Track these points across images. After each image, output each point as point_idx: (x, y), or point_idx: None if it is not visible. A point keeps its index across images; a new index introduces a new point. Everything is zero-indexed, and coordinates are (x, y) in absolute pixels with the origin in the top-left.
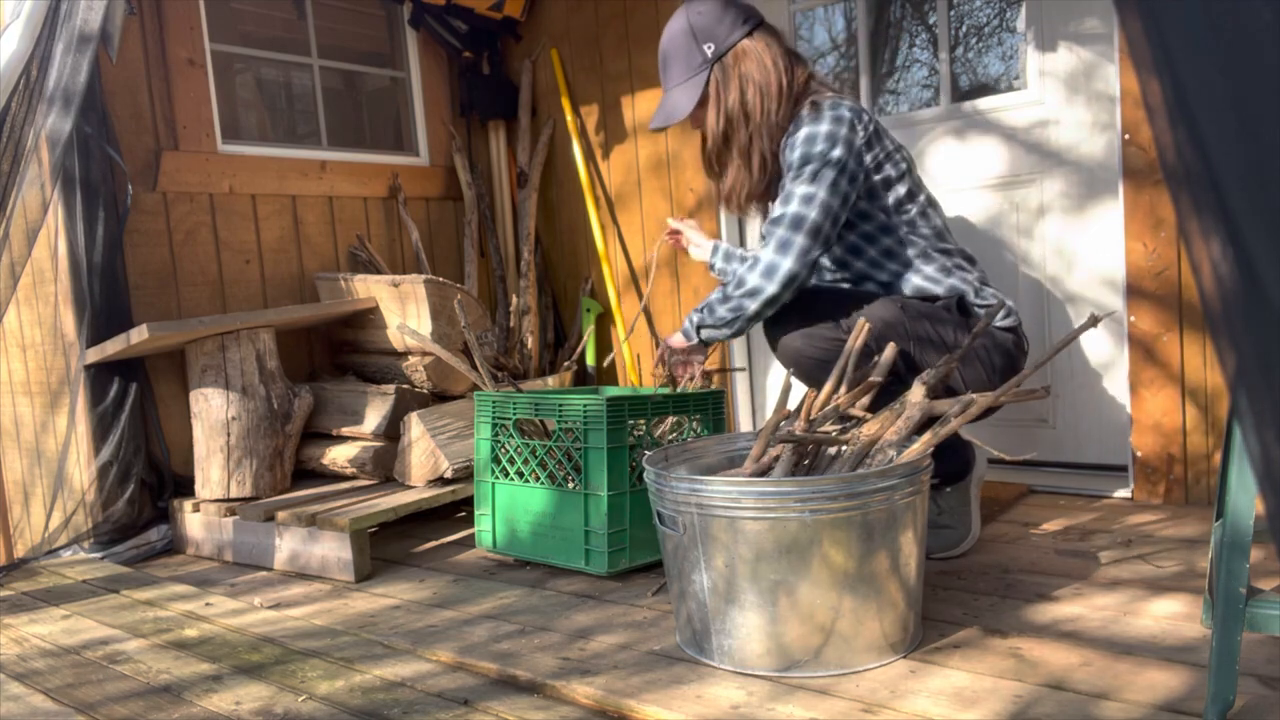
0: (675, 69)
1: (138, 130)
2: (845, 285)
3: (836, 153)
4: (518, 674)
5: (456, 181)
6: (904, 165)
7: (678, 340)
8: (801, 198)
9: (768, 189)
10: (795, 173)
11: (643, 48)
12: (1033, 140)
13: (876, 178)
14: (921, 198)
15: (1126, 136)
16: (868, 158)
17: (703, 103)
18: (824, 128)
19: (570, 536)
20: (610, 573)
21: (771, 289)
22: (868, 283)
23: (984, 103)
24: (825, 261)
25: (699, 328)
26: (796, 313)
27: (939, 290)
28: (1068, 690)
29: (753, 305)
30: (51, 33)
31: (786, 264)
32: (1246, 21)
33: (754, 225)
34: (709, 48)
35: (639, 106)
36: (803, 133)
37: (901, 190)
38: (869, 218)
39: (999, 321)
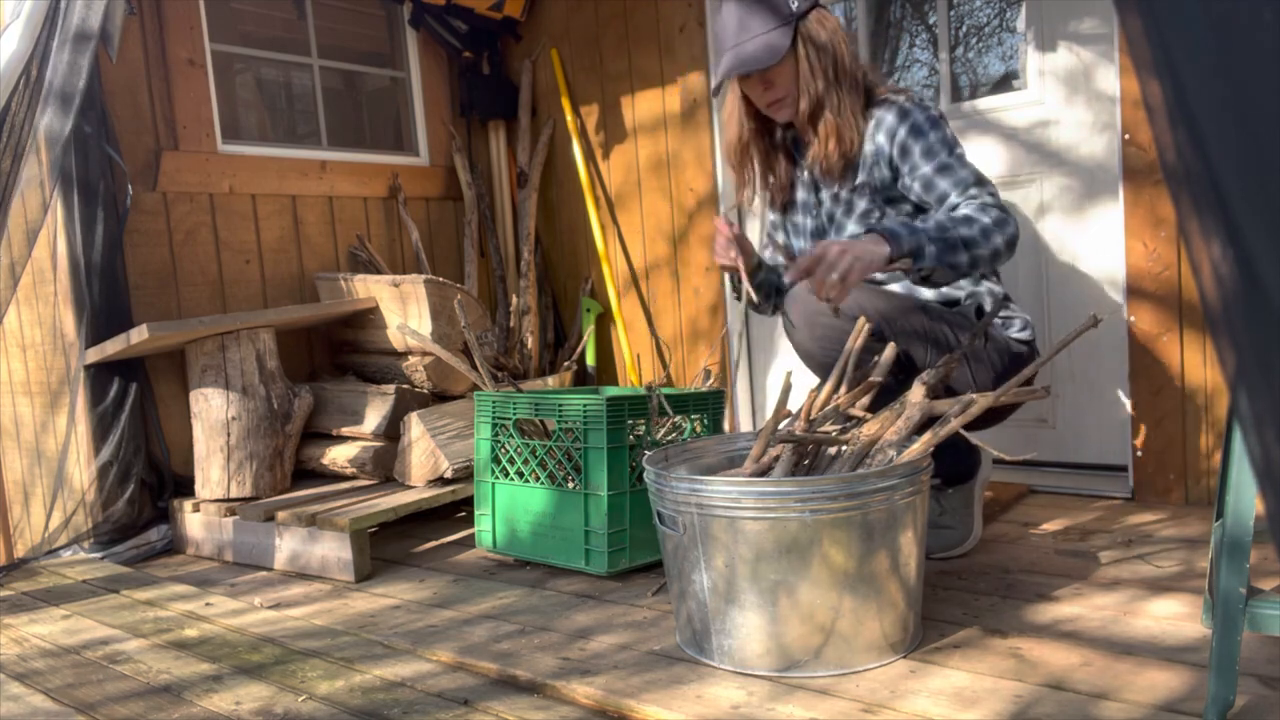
0: (758, 18)
1: (138, 130)
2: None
3: (950, 134)
4: (518, 674)
5: (456, 181)
6: None
7: (872, 252)
8: (959, 158)
9: (848, 163)
10: (940, 147)
11: (643, 48)
12: (1033, 140)
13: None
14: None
15: (1126, 136)
16: None
17: (783, 63)
18: (932, 111)
19: (570, 536)
20: (610, 573)
21: (1013, 227)
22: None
23: (984, 103)
24: None
25: (923, 246)
26: (816, 303)
27: (961, 295)
28: (1068, 690)
29: (1001, 239)
30: (51, 32)
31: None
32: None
33: (753, 225)
34: (794, 2)
35: (639, 106)
36: (922, 116)
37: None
38: (920, 208)
39: (1016, 333)
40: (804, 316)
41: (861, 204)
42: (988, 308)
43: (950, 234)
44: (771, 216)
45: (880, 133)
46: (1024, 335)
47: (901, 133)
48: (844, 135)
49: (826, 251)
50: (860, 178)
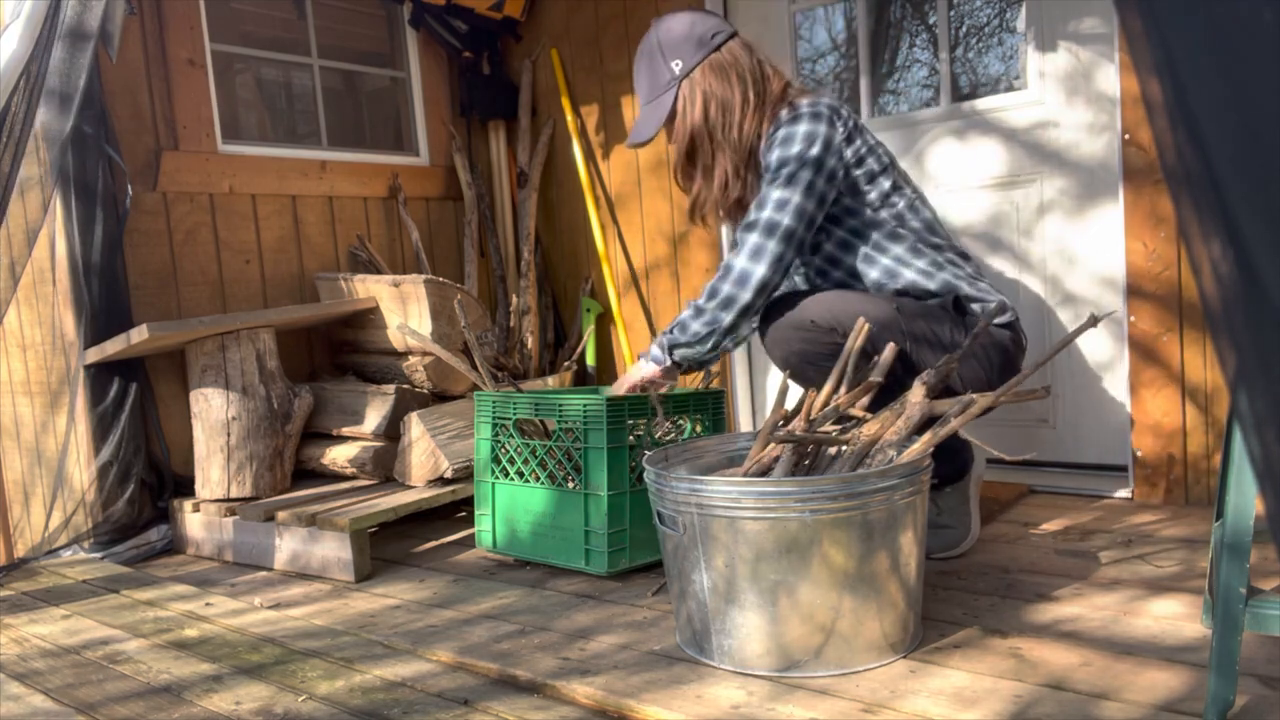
0: (644, 87)
1: (138, 130)
2: (834, 288)
3: (814, 151)
4: (518, 674)
5: (456, 181)
6: (886, 160)
7: (648, 369)
8: (775, 203)
9: (739, 203)
10: (771, 176)
11: None
12: (1033, 140)
13: (859, 171)
14: (908, 191)
15: (1126, 136)
16: (848, 152)
17: (671, 119)
18: (801, 128)
19: (570, 536)
20: (610, 573)
21: (746, 296)
22: (860, 280)
23: (984, 103)
24: (816, 261)
25: (671, 348)
26: (788, 310)
27: (932, 285)
28: (1068, 690)
29: (728, 316)
30: (51, 32)
31: (760, 270)
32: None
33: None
34: (676, 65)
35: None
36: (780, 133)
37: (886, 184)
38: (855, 213)
39: (996, 321)
40: (780, 331)
41: None
42: (966, 291)
43: (692, 327)
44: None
45: (765, 146)
46: (1004, 318)
47: (769, 153)
48: (702, 194)
49: (619, 388)
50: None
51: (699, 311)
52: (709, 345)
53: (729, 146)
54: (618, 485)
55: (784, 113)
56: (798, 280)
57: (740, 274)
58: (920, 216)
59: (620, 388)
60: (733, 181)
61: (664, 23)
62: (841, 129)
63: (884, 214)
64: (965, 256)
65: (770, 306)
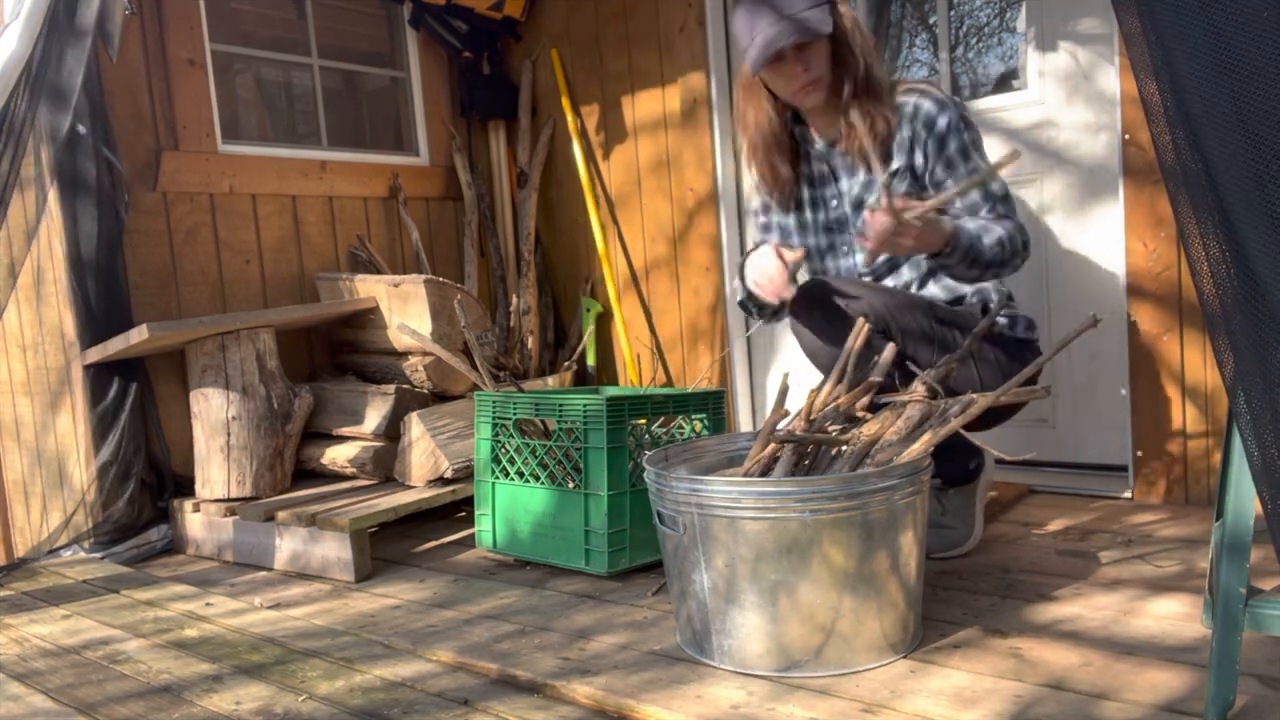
0: None
1: (138, 130)
2: (882, 273)
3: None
4: (518, 674)
5: (456, 181)
6: None
7: (935, 235)
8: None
9: (884, 149)
10: (982, 156)
11: (643, 47)
12: (1033, 140)
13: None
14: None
15: (1126, 136)
16: None
17: (823, 38)
18: (965, 112)
19: (570, 536)
20: (610, 573)
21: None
22: (907, 270)
23: (984, 103)
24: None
25: (965, 244)
26: (832, 306)
27: (967, 293)
28: (1068, 690)
29: (1018, 259)
30: (50, 31)
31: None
32: (1245, 22)
33: (750, 224)
34: None
35: (639, 106)
36: (949, 111)
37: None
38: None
39: (1021, 334)
40: (815, 317)
41: (901, 188)
42: (993, 306)
43: (981, 246)
44: (763, 219)
45: (918, 119)
46: (1028, 335)
47: (941, 124)
48: (883, 118)
49: (903, 228)
50: (897, 162)
51: (1003, 244)
52: (1016, 260)
53: (877, 97)
54: (618, 485)
55: (936, 93)
56: (844, 264)
57: (1023, 230)
58: None
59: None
60: (892, 111)
61: None
62: None
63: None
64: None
65: (810, 300)
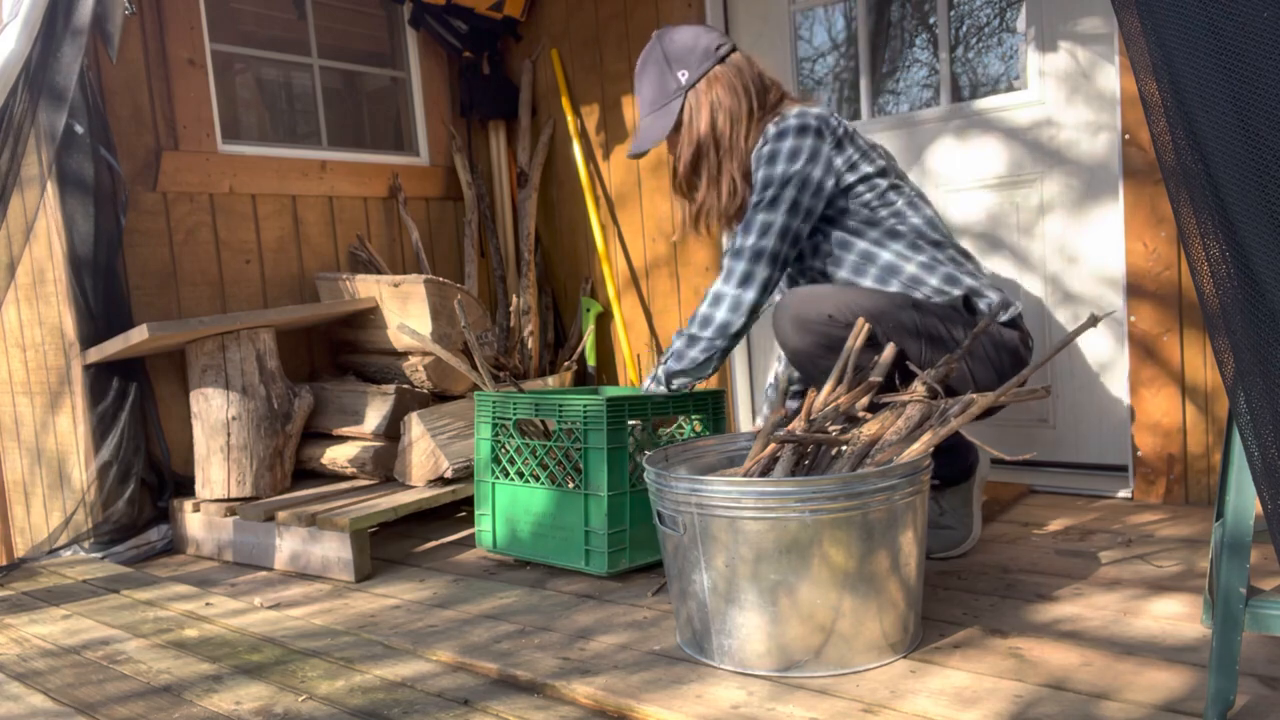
0: (649, 96)
1: (138, 130)
2: (839, 283)
3: (795, 167)
4: (518, 674)
5: (456, 181)
6: (881, 161)
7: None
8: (760, 227)
9: (739, 211)
10: (757, 196)
11: (642, 47)
12: (1033, 140)
13: (851, 176)
14: (907, 189)
15: (1127, 136)
16: (839, 160)
17: (676, 129)
18: (786, 144)
19: (570, 537)
20: (610, 573)
21: (739, 321)
22: (861, 278)
23: (984, 103)
24: (816, 263)
25: (670, 378)
26: (806, 304)
27: (933, 280)
28: (1068, 690)
29: (723, 341)
30: (49, 30)
31: (750, 295)
32: (1245, 21)
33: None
34: (683, 75)
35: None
36: (766, 150)
37: (883, 184)
38: (852, 213)
39: (1002, 319)
40: (795, 326)
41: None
42: (971, 284)
43: (685, 359)
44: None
45: (754, 160)
46: (1008, 315)
47: (754, 163)
48: (709, 203)
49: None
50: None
51: (693, 340)
52: (709, 369)
53: (735, 156)
54: (618, 486)
55: (771, 127)
56: (802, 283)
57: (733, 301)
58: (920, 214)
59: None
60: (741, 188)
61: (668, 34)
62: (830, 138)
63: (882, 213)
64: (966, 254)
65: (786, 301)
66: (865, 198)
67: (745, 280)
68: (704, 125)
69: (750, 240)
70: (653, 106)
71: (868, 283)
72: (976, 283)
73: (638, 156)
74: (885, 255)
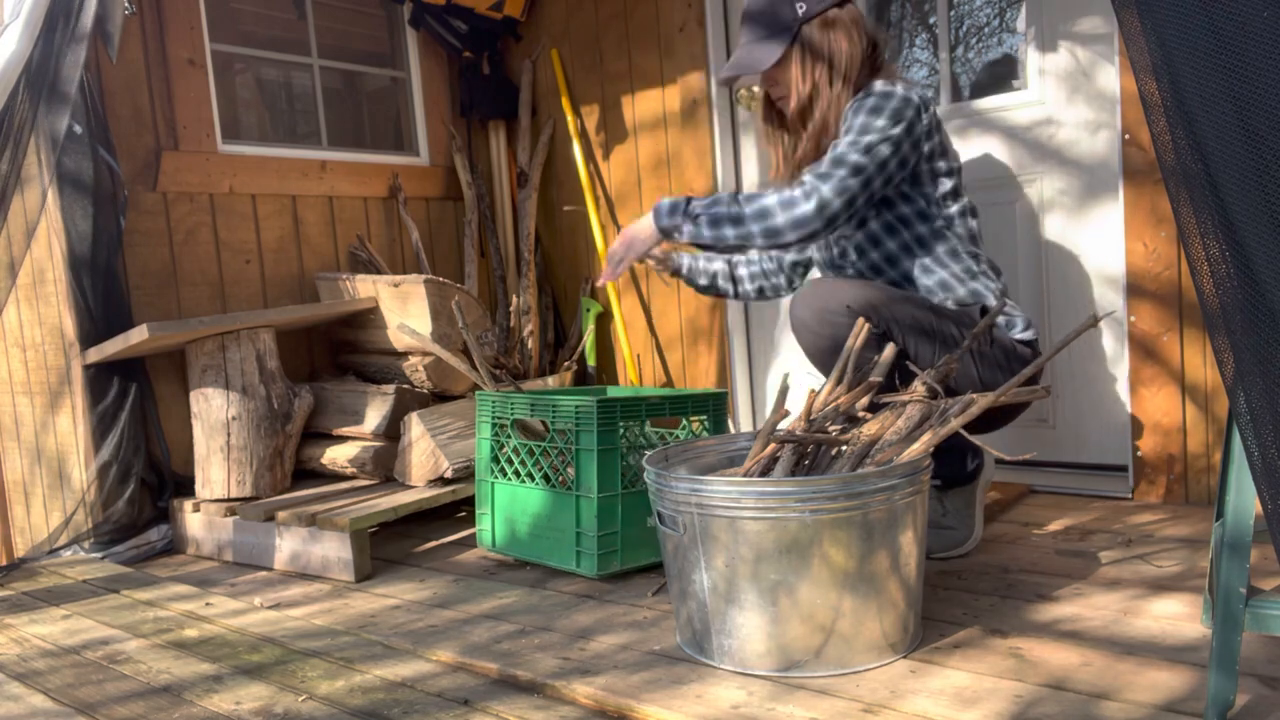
0: (760, 23)
1: (138, 130)
2: (866, 270)
3: (896, 130)
4: (518, 674)
5: (456, 181)
6: (955, 164)
7: (644, 230)
8: (862, 150)
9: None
10: (853, 137)
11: (643, 47)
12: (1033, 140)
13: (926, 166)
14: (965, 200)
15: (1127, 136)
16: (926, 146)
17: (783, 62)
18: (893, 104)
19: (564, 538)
20: (600, 575)
21: (790, 233)
22: (893, 268)
23: (984, 102)
24: (858, 236)
25: (691, 240)
26: (822, 296)
27: (962, 291)
28: (1068, 690)
29: (761, 239)
30: (50, 31)
31: (810, 210)
32: (1245, 21)
33: None
34: (800, 7)
35: (639, 106)
36: (871, 101)
37: (948, 185)
38: (911, 201)
39: (1019, 334)
40: (815, 315)
41: None
42: (992, 306)
43: (719, 210)
44: None
45: (852, 108)
46: (1026, 335)
47: (852, 110)
48: (830, 132)
49: (611, 247)
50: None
51: (737, 219)
52: (719, 247)
53: (838, 105)
54: (609, 487)
55: (878, 83)
56: (834, 253)
57: (800, 213)
58: (967, 225)
59: (613, 259)
60: (828, 143)
61: None
62: (925, 119)
63: (934, 211)
64: (998, 273)
65: (804, 292)
66: (927, 190)
67: (816, 198)
68: (822, 67)
69: (831, 156)
70: (762, 34)
71: (904, 269)
72: (1001, 301)
73: (729, 83)
74: (925, 255)
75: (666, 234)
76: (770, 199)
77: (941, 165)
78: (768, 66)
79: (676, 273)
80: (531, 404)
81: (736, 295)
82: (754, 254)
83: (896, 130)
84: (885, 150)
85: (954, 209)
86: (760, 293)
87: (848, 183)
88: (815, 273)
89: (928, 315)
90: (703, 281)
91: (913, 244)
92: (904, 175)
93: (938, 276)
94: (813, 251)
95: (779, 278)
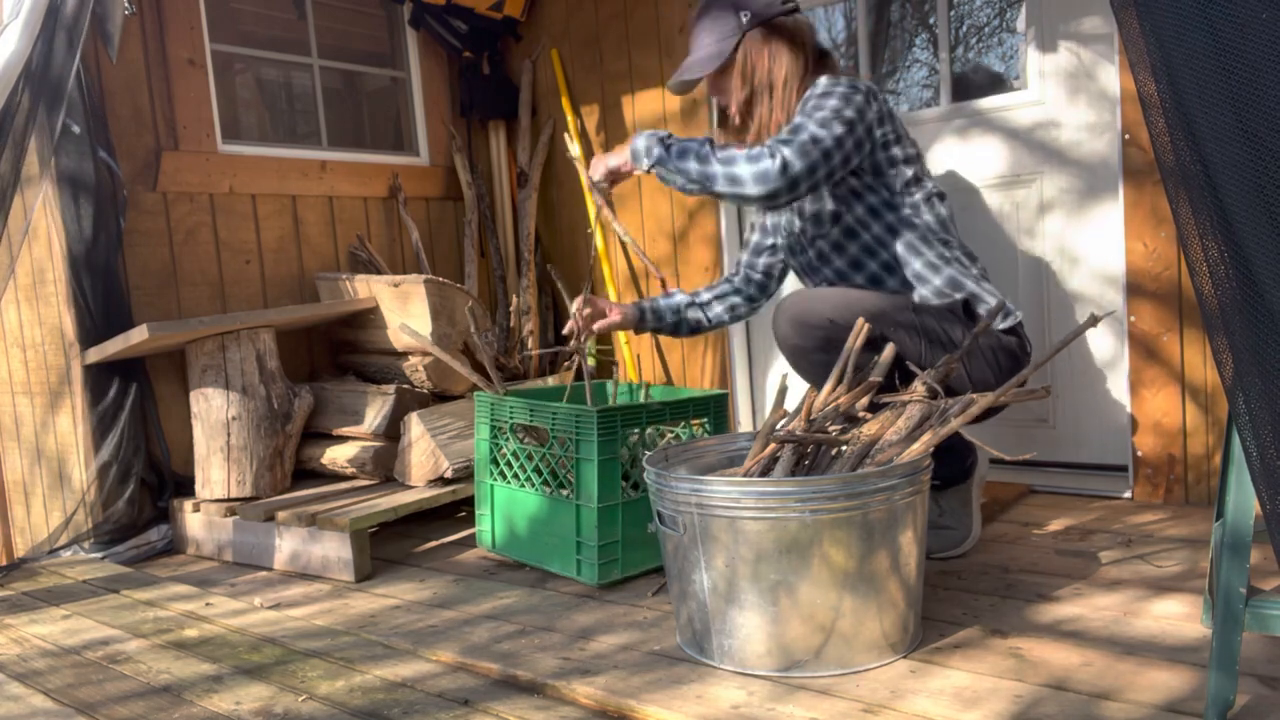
0: (707, 31)
1: (138, 130)
2: (847, 268)
3: (849, 111)
4: (519, 674)
5: (456, 181)
6: (912, 150)
7: (620, 160)
8: (818, 123)
9: None
10: (807, 114)
11: (643, 47)
12: (1033, 140)
13: (883, 154)
14: (929, 185)
15: (1127, 136)
16: (878, 132)
17: (725, 69)
18: (840, 89)
19: (563, 544)
20: (601, 584)
21: (751, 188)
22: (873, 258)
23: (984, 102)
24: (834, 232)
25: (657, 162)
26: (804, 307)
27: (937, 280)
28: (1069, 690)
29: (722, 184)
30: (50, 31)
31: (787, 154)
32: (1244, 22)
33: None
34: (745, 15)
35: (639, 106)
36: (819, 91)
37: (909, 172)
38: (875, 191)
39: (999, 324)
40: (796, 329)
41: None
42: (972, 289)
43: (690, 144)
44: (755, 217)
45: (804, 100)
46: (1008, 324)
47: (805, 100)
48: (769, 132)
49: (592, 165)
50: None
51: (705, 158)
52: (688, 189)
53: (785, 109)
54: (609, 496)
55: (823, 79)
56: (811, 255)
57: (771, 153)
58: (934, 212)
59: (596, 170)
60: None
61: None
62: (875, 107)
63: (900, 199)
64: (972, 258)
65: (786, 301)
66: (889, 180)
67: (785, 144)
68: (763, 71)
69: (793, 123)
70: (709, 41)
71: (872, 269)
72: (979, 288)
73: (680, 88)
74: (895, 245)
75: (636, 155)
76: (738, 151)
77: (898, 153)
78: (709, 72)
79: (640, 322)
80: (530, 409)
81: (710, 321)
82: (715, 279)
83: (849, 111)
84: (839, 127)
85: (918, 196)
86: (733, 311)
87: (808, 148)
88: (792, 283)
89: (909, 314)
90: (670, 319)
91: (885, 235)
92: (863, 158)
93: (911, 268)
94: (787, 257)
95: (741, 296)
